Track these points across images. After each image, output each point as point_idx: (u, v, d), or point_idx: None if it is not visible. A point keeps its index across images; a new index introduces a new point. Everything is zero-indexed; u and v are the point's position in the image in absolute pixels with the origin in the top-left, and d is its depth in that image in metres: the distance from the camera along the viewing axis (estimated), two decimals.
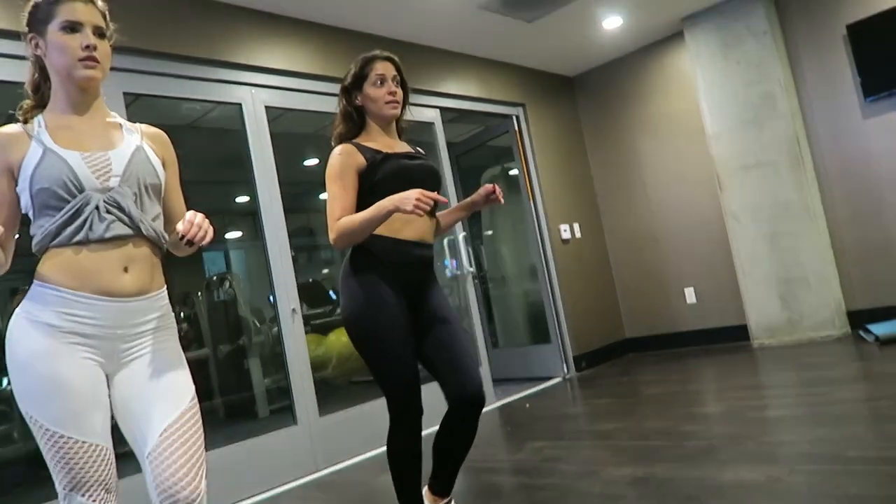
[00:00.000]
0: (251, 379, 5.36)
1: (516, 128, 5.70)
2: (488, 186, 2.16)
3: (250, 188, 3.90)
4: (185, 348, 1.62)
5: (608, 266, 6.22)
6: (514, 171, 6.00)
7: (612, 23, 5.22)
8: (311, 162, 5.76)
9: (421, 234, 2.10)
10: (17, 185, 1.45)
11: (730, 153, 5.24)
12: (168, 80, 3.55)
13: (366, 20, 4.32)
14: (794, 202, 4.97)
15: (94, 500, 1.42)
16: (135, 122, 1.68)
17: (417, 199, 1.86)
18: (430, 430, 2.11)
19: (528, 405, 4.62)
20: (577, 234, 5.91)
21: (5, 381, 4.40)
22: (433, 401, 2.18)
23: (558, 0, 4.59)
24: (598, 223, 6.24)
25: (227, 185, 6.60)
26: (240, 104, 3.84)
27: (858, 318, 4.85)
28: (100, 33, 1.52)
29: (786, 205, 5.00)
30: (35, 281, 1.47)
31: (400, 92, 2.17)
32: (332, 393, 5.44)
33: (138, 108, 3.43)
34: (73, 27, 1.47)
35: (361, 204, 2.06)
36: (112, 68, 3.82)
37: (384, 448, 2.13)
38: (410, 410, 2.05)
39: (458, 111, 5.26)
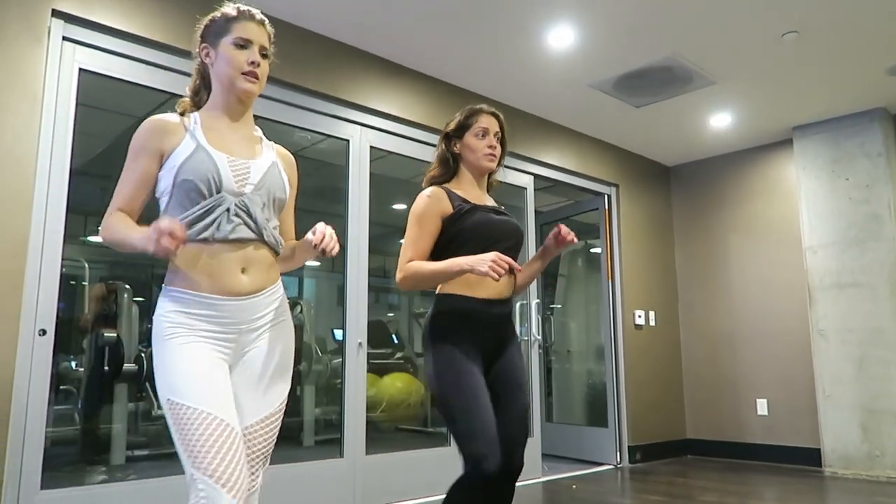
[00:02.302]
0: (302, 406, 5.39)
1: (606, 207, 5.70)
2: (555, 229, 2.12)
3: (337, 221, 4.01)
4: None
5: (679, 360, 6.02)
6: (595, 249, 5.96)
7: (720, 120, 5.21)
8: (400, 206, 5.92)
9: (498, 291, 2.06)
10: (160, 170, 1.57)
11: (825, 268, 5.05)
12: (287, 108, 3.76)
13: (476, 80, 4.48)
14: (889, 329, 4.71)
15: (224, 487, 1.36)
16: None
17: (493, 262, 1.81)
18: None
19: (574, 486, 4.45)
20: (652, 322, 5.78)
21: (73, 363, 4.63)
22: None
23: (671, 90, 4.63)
24: (675, 315, 6.08)
25: (315, 215, 6.82)
26: (347, 140, 4.02)
27: None
28: (264, 53, 1.67)
29: (879, 330, 4.75)
30: (164, 286, 1.56)
31: (499, 148, 2.20)
32: (379, 435, 5.41)
33: None
34: (244, 44, 1.63)
35: (438, 250, 2.05)
36: None
37: (427, 497, 2.03)
38: (493, 463, 1.87)
39: (551, 181, 5.31)
